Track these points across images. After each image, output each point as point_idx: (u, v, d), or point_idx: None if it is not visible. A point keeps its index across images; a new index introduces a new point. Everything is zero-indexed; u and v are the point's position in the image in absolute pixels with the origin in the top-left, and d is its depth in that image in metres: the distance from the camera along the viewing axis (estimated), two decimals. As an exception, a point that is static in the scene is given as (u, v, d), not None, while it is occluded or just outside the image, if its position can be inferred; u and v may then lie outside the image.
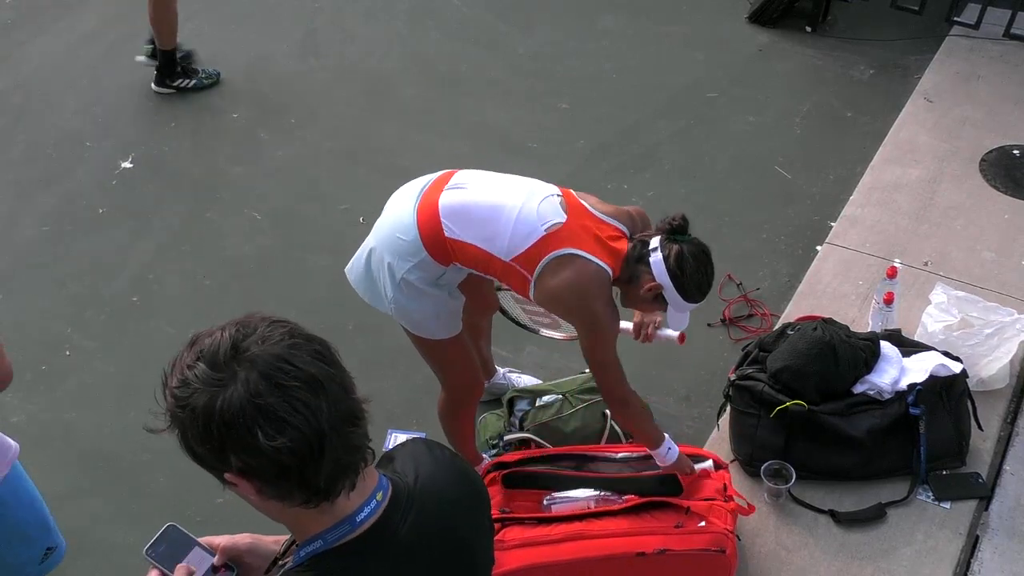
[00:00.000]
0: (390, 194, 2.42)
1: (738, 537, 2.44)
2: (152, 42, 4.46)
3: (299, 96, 4.54)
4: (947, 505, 2.66)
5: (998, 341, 2.85)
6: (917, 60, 4.46)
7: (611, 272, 2.25)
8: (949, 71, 4.32)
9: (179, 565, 1.28)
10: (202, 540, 1.34)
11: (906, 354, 2.77)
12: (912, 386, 2.65)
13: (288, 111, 4.44)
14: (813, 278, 3.38)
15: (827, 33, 4.75)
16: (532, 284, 2.23)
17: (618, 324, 2.34)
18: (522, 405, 2.95)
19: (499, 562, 2.27)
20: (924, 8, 4.49)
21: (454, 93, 4.52)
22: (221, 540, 1.35)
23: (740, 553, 2.47)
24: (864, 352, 2.70)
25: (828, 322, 2.78)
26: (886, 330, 2.96)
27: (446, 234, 2.24)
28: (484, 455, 2.86)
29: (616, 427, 2.84)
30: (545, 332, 3.00)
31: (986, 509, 2.67)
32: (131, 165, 4.19)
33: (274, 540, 1.38)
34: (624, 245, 2.29)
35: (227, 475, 1.10)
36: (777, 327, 2.97)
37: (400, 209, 2.31)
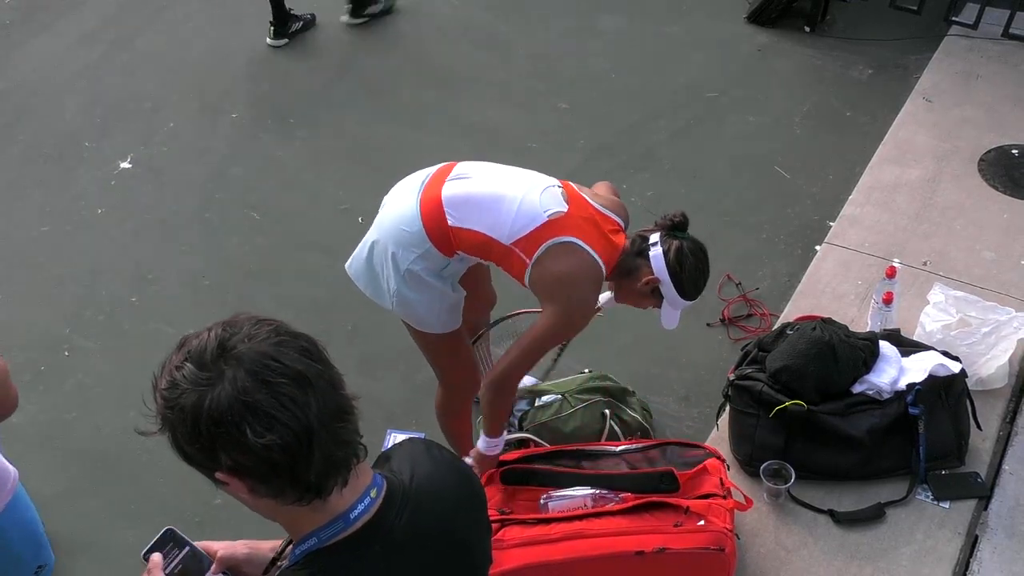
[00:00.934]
0: (390, 194, 2.42)
1: (737, 536, 2.44)
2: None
3: (298, 96, 4.55)
4: (946, 505, 2.66)
5: (996, 340, 2.85)
6: (916, 60, 4.46)
7: (605, 270, 2.28)
8: (948, 71, 4.32)
9: (155, 555, 1.27)
10: (199, 544, 1.34)
11: (905, 354, 2.77)
12: (911, 386, 2.65)
13: (287, 111, 4.44)
14: (812, 278, 3.38)
15: (826, 33, 4.75)
16: (529, 267, 2.25)
17: (586, 322, 2.34)
18: (521, 405, 2.95)
19: (498, 561, 2.27)
20: (923, 8, 4.49)
21: (454, 93, 4.52)
22: (219, 547, 1.35)
23: (739, 553, 2.47)
24: (863, 352, 2.70)
25: (827, 322, 2.78)
26: (885, 330, 2.96)
27: (449, 223, 2.26)
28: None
29: (616, 428, 2.84)
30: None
31: (985, 509, 2.67)
32: (130, 165, 4.19)
33: (271, 547, 1.37)
34: (622, 239, 2.32)
35: (218, 474, 1.10)
36: (776, 327, 2.97)
37: (403, 202, 2.33)
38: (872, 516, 2.63)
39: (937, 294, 3.01)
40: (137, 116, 4.45)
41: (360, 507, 1.17)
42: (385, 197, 2.42)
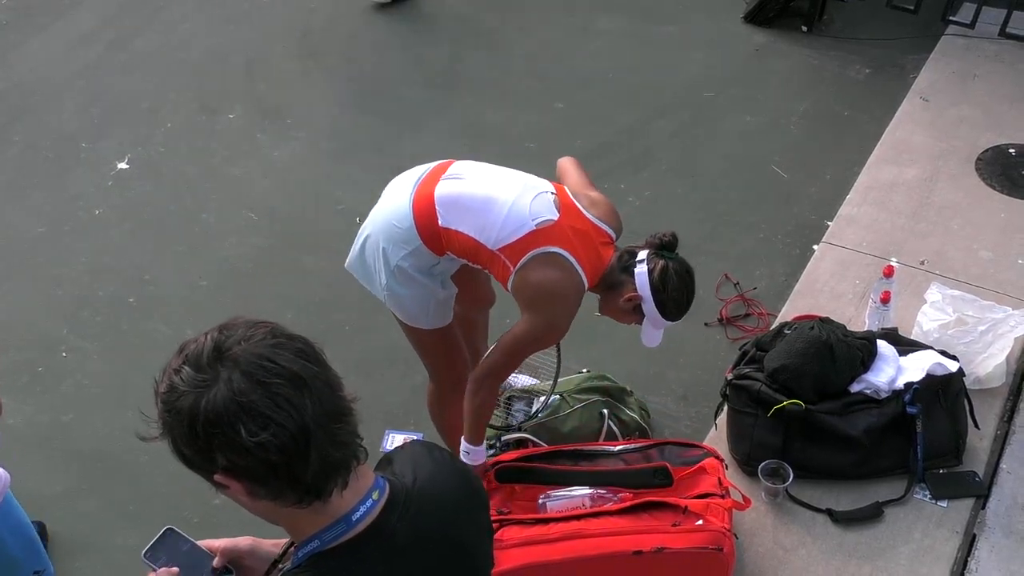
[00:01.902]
0: (387, 195, 2.42)
1: (736, 536, 2.45)
2: None
3: (296, 96, 4.55)
4: (944, 504, 2.67)
5: (992, 338, 2.85)
6: (913, 59, 4.47)
7: (587, 283, 2.28)
8: (945, 70, 4.33)
9: (165, 569, 1.27)
10: (201, 543, 1.34)
11: (903, 353, 2.77)
12: (909, 385, 2.65)
13: (284, 112, 4.44)
14: (810, 277, 3.38)
15: (823, 33, 4.75)
16: (512, 275, 2.25)
17: (563, 334, 2.34)
18: (520, 405, 2.95)
19: (497, 561, 2.26)
20: (920, 7, 4.49)
21: (451, 93, 4.52)
22: (221, 543, 1.35)
23: (738, 552, 2.48)
24: (861, 351, 2.70)
25: (825, 321, 2.78)
26: (883, 329, 2.96)
27: (440, 223, 2.26)
28: (481, 455, 2.86)
29: (614, 427, 2.85)
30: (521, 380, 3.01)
31: (983, 508, 2.67)
32: (127, 166, 4.19)
33: (273, 543, 1.38)
34: (610, 252, 2.32)
35: (216, 476, 1.10)
36: (774, 326, 2.97)
37: (397, 198, 2.33)
38: (870, 515, 2.64)
39: (934, 293, 3.01)
40: (135, 116, 4.45)
41: (362, 509, 1.17)
42: (385, 189, 2.42)
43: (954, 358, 2.74)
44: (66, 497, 2.93)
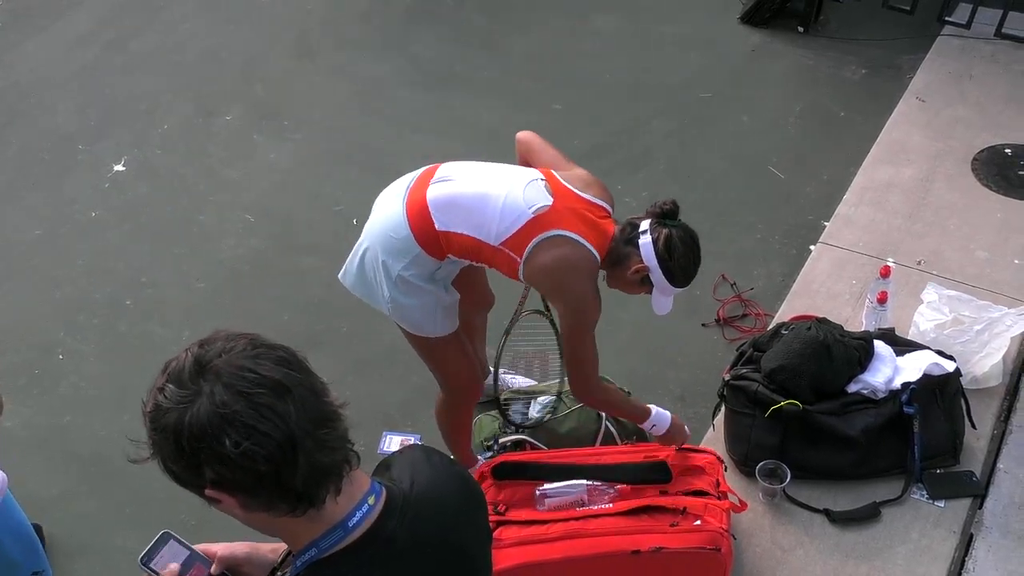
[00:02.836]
0: (384, 196, 2.42)
1: (733, 536, 2.45)
2: None
3: (293, 98, 4.54)
4: (941, 504, 2.67)
5: (988, 337, 2.86)
6: (909, 60, 4.48)
7: (598, 257, 2.28)
8: (941, 71, 4.33)
9: (168, 568, 1.27)
10: (198, 547, 1.33)
11: (900, 353, 2.78)
12: (906, 385, 2.66)
13: (282, 113, 4.44)
14: (807, 278, 3.39)
15: (819, 33, 4.76)
16: (521, 265, 2.25)
17: (599, 311, 2.33)
18: (517, 406, 2.95)
19: (495, 560, 2.26)
20: (916, 8, 4.50)
21: (448, 94, 4.52)
22: (218, 548, 1.35)
23: (736, 552, 2.48)
24: (858, 351, 2.70)
25: (822, 321, 2.79)
26: (880, 329, 2.97)
27: (437, 227, 2.26)
28: (479, 457, 2.86)
29: (611, 428, 2.85)
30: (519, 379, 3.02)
31: (980, 507, 2.68)
32: (124, 168, 4.18)
33: (271, 549, 1.37)
34: (610, 225, 2.32)
35: (207, 491, 1.10)
36: (771, 327, 2.98)
37: (389, 208, 2.33)
38: (868, 515, 2.64)
39: (931, 293, 3.02)
40: (132, 118, 4.44)
41: (358, 515, 1.17)
42: (375, 202, 2.42)
43: (951, 358, 2.75)
44: (64, 499, 2.93)
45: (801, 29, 4.76)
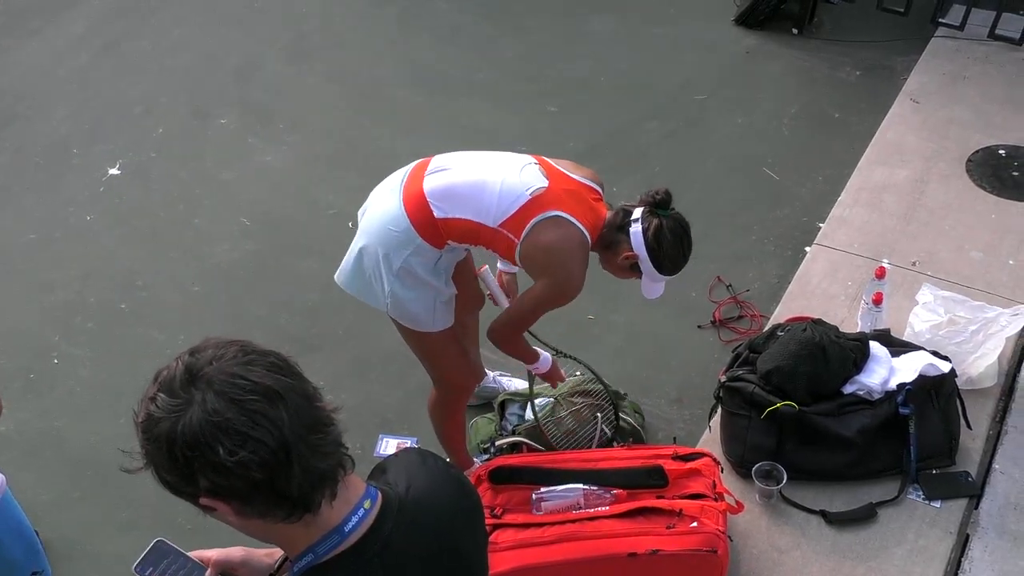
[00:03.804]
0: (380, 199, 2.42)
1: (730, 538, 2.45)
2: None
3: (288, 100, 4.54)
4: (937, 504, 2.67)
5: (983, 337, 2.86)
6: (903, 61, 4.48)
7: (590, 239, 2.32)
8: (935, 72, 4.35)
9: None
10: (193, 554, 1.33)
11: (895, 354, 2.78)
12: (902, 386, 2.66)
13: (277, 116, 4.44)
14: (802, 279, 3.39)
15: (814, 35, 4.77)
16: (519, 245, 2.29)
17: (575, 295, 2.37)
18: (514, 409, 2.95)
19: (492, 563, 2.26)
20: (909, 10, 4.51)
21: (443, 97, 4.52)
22: (213, 554, 1.34)
23: (732, 554, 2.48)
24: (853, 352, 2.71)
25: (817, 323, 2.79)
26: (875, 330, 2.97)
27: (436, 215, 2.29)
28: (476, 459, 2.85)
29: (607, 431, 2.85)
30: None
31: (976, 508, 2.68)
32: (119, 172, 4.18)
33: (266, 554, 1.37)
34: (603, 208, 2.38)
35: (202, 500, 1.09)
36: (767, 328, 2.98)
37: (386, 203, 2.35)
38: (864, 516, 2.64)
39: (926, 294, 3.03)
40: (126, 122, 4.43)
41: (354, 519, 1.17)
42: (365, 203, 2.44)
43: (946, 359, 2.75)
44: (58, 504, 2.92)
45: (796, 31, 4.77)
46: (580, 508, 2.47)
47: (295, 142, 4.30)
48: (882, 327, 3.00)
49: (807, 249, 3.55)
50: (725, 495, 2.47)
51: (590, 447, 2.83)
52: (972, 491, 2.70)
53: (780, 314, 3.23)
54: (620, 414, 2.91)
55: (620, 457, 2.61)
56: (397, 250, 2.31)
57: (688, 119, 4.32)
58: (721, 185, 3.96)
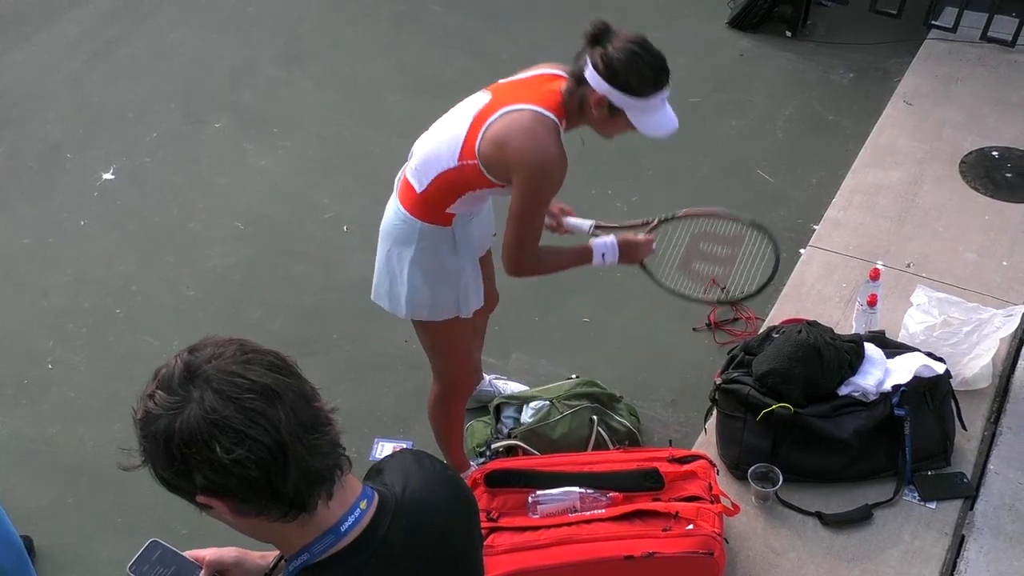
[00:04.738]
0: (375, 202, 2.45)
1: (726, 540, 2.45)
2: None
3: (282, 105, 4.54)
4: (933, 505, 2.68)
5: (978, 339, 2.87)
6: (896, 63, 4.50)
7: (555, 117, 2.18)
8: (928, 74, 4.36)
9: None
10: (187, 554, 1.33)
11: (890, 355, 2.78)
12: (896, 387, 2.67)
13: (271, 120, 4.43)
14: (797, 281, 3.39)
15: (807, 37, 4.78)
16: (478, 160, 2.18)
17: (563, 173, 2.23)
18: (509, 412, 2.95)
19: (488, 567, 2.27)
20: (902, 12, 4.53)
21: (438, 100, 4.47)
22: (207, 553, 1.35)
23: (728, 556, 2.48)
24: (848, 354, 2.71)
25: (812, 325, 2.79)
26: (870, 332, 2.97)
27: (418, 190, 2.30)
28: (472, 463, 2.85)
29: (603, 433, 2.85)
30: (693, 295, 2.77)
31: (971, 509, 2.68)
32: (113, 176, 4.17)
33: (260, 555, 1.37)
34: (559, 83, 2.24)
35: (199, 498, 1.10)
36: (762, 330, 2.98)
37: (388, 207, 2.43)
38: (860, 518, 2.64)
39: (920, 295, 3.03)
40: (120, 126, 4.43)
41: (350, 519, 1.17)
42: None
43: (941, 360, 2.75)
44: (52, 510, 2.91)
45: (789, 34, 4.78)
46: (576, 511, 2.47)
47: (289, 146, 4.29)
48: (877, 329, 3.00)
49: (801, 251, 3.56)
50: (721, 497, 2.47)
51: (586, 450, 2.83)
52: (967, 492, 2.71)
53: (775, 316, 3.24)
54: (616, 416, 2.91)
55: (616, 460, 2.61)
56: (406, 242, 2.35)
57: (682, 121, 4.26)
58: (715, 187, 3.96)
